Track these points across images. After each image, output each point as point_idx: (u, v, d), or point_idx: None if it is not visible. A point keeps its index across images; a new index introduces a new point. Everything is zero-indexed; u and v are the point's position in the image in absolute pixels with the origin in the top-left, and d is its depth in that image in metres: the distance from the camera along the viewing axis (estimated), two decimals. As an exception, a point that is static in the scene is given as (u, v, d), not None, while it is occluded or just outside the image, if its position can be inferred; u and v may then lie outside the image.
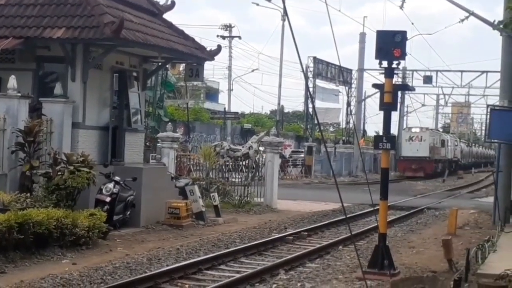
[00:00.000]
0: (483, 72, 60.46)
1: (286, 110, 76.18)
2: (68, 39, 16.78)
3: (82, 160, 15.78)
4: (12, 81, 15.86)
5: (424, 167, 58.50)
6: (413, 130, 61.25)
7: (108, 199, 16.27)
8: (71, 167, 15.42)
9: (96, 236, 14.62)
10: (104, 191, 16.41)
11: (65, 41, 16.92)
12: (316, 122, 55.42)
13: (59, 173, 15.39)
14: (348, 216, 22.36)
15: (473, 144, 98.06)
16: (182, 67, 38.93)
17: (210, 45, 21.65)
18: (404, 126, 70.12)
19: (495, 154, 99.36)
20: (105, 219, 14.97)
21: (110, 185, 16.49)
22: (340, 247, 16.88)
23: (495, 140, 23.42)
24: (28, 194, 15.00)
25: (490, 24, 23.69)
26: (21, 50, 17.16)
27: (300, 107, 71.60)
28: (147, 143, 21.17)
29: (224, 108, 62.77)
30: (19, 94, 15.99)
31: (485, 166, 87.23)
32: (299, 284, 12.32)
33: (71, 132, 17.17)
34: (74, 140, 17.22)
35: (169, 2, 22.00)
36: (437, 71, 63.01)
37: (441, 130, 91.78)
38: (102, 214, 14.98)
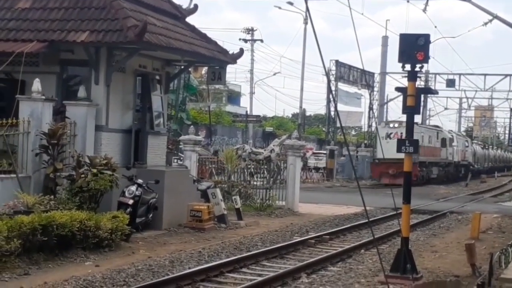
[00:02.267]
0: (506, 75, 60.14)
1: (308, 113, 76.22)
2: (91, 42, 16.89)
3: (105, 162, 15.87)
4: (37, 84, 15.99)
5: None
6: (392, 125, 49.42)
7: (130, 202, 16.35)
8: (94, 170, 15.52)
9: (119, 238, 14.69)
10: (126, 194, 16.49)
11: (88, 45, 17.03)
12: (338, 125, 55.28)
13: (82, 175, 15.49)
14: (370, 219, 22.29)
15: (491, 146, 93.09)
16: (204, 70, 39.10)
17: (232, 48, 21.66)
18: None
19: None
20: (127, 222, 15.04)
21: (133, 188, 16.56)
22: (362, 250, 16.82)
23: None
24: (52, 196, 15.11)
25: (514, 27, 23.55)
26: (45, 53, 17.29)
27: (322, 110, 71.38)
28: (170, 146, 21.23)
29: (246, 111, 62.89)
30: (43, 97, 16.10)
31: (502, 171, 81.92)
32: (321, 288, 12.29)
33: (95, 135, 17.26)
34: (97, 143, 17.32)
35: (191, 6, 22.11)
36: (460, 74, 62.79)
37: (464, 133, 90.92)
38: (125, 217, 15.05)
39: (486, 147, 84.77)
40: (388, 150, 45.06)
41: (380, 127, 50.54)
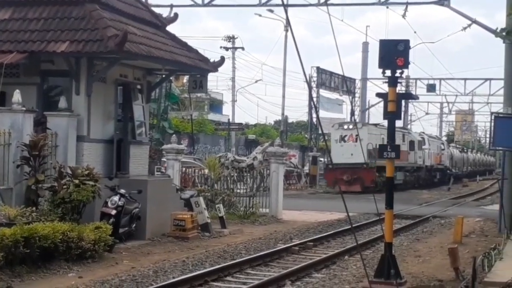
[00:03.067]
0: (486, 79, 60.55)
1: (290, 120, 76.29)
2: (72, 52, 16.84)
3: (87, 173, 15.80)
4: (17, 96, 15.91)
5: (362, 177, 43.27)
6: (346, 126, 45.13)
7: (113, 212, 16.28)
8: (76, 181, 15.44)
9: (102, 249, 14.62)
10: (109, 204, 16.42)
11: (69, 55, 16.98)
12: (320, 132, 55.39)
13: (64, 186, 15.41)
14: (353, 225, 22.33)
15: (471, 150, 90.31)
16: (186, 79, 39.06)
17: (213, 57, 21.65)
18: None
19: (496, 161, 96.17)
20: (110, 232, 14.98)
21: (116, 198, 16.50)
22: (346, 257, 16.85)
23: (500, 148, 23.40)
24: (34, 208, 15.02)
25: (493, 31, 23.69)
26: (26, 64, 17.23)
27: (304, 117, 71.47)
28: (152, 155, 21.17)
29: (228, 119, 62.87)
30: (24, 108, 16.03)
31: (482, 175, 79.79)
32: (305, 295, 12.29)
33: (76, 145, 17.19)
34: (79, 154, 17.25)
35: (172, 15, 22.08)
36: (440, 79, 63.22)
37: (445, 138, 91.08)
38: (108, 227, 14.99)
39: (465, 150, 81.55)
40: (342, 154, 43.35)
41: (333, 129, 46.21)
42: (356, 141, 41.86)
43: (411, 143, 50.95)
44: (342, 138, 44.41)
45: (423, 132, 63.38)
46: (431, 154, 57.52)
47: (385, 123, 13.39)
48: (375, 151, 40.82)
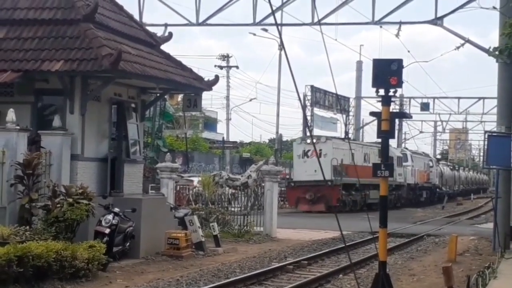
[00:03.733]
0: (480, 98, 60.87)
1: (284, 139, 76.28)
2: (66, 71, 16.87)
3: (81, 192, 15.77)
4: (11, 114, 15.91)
5: (326, 196, 39.23)
6: (309, 140, 40.86)
7: (107, 231, 16.24)
8: (70, 199, 15.41)
9: (96, 268, 14.57)
10: (103, 223, 16.39)
11: (63, 74, 17.01)
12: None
13: (58, 205, 15.37)
14: (347, 244, 22.29)
15: (463, 168, 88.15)
16: (180, 97, 39.15)
17: (207, 75, 21.70)
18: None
19: (490, 180, 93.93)
20: (104, 251, 14.93)
21: (109, 217, 16.47)
22: (341, 275, 16.83)
23: (493, 166, 23.46)
24: (27, 227, 14.97)
25: (486, 50, 23.87)
26: (20, 83, 17.24)
27: (299, 135, 71.65)
28: (146, 174, 21.17)
29: (223, 138, 62.90)
30: (18, 127, 16.03)
31: (477, 194, 77.52)
32: (299, 314, 12.26)
33: (70, 164, 17.18)
34: (73, 172, 17.24)
35: (166, 34, 22.16)
36: (434, 98, 63.59)
37: (439, 156, 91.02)
38: (102, 246, 14.95)
39: (457, 168, 79.08)
40: (305, 170, 39.18)
41: (295, 143, 43.21)
42: (321, 156, 38.68)
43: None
44: (305, 153, 40.88)
45: (406, 148, 60.77)
46: (415, 171, 54.38)
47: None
48: (341, 167, 39.68)
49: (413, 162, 53.70)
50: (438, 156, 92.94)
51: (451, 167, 74.45)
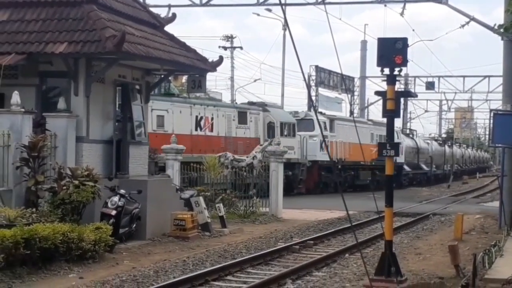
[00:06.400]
0: (485, 76, 60.64)
1: (289, 119, 76.15)
2: (70, 53, 16.85)
3: (86, 174, 15.80)
4: (16, 97, 15.91)
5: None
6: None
7: (113, 213, 16.28)
8: (76, 181, 15.44)
9: (103, 249, 14.62)
10: (109, 205, 16.43)
11: (67, 56, 16.98)
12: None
13: (64, 187, 15.41)
14: (353, 224, 22.34)
15: (459, 145, 79.69)
16: (184, 78, 39.00)
17: (212, 56, 21.64)
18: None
19: (496, 158, 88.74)
20: (111, 233, 14.97)
21: (115, 199, 16.50)
22: (347, 255, 16.87)
23: (499, 145, 23.43)
24: (34, 209, 15.02)
25: (491, 28, 23.80)
26: (24, 65, 17.23)
27: (303, 116, 71.31)
28: (152, 156, 21.17)
29: (228, 119, 62.60)
30: (23, 110, 16.03)
31: (473, 174, 69.99)
32: (306, 293, 12.29)
33: (75, 146, 17.20)
34: (79, 154, 17.26)
35: (170, 15, 22.08)
36: (439, 76, 63.29)
37: (445, 135, 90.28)
38: (108, 228, 14.99)
39: (449, 144, 70.11)
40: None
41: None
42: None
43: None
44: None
45: (321, 112, 46.04)
46: (337, 143, 41.66)
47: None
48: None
49: (333, 130, 41.89)
50: (444, 135, 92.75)
51: (440, 142, 65.83)
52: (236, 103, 40.31)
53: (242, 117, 34.54)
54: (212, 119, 32.60)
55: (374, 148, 41.71)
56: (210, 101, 34.22)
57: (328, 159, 39.55)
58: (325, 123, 40.43)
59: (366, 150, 39.67)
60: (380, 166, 42.35)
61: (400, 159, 45.03)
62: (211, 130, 32.46)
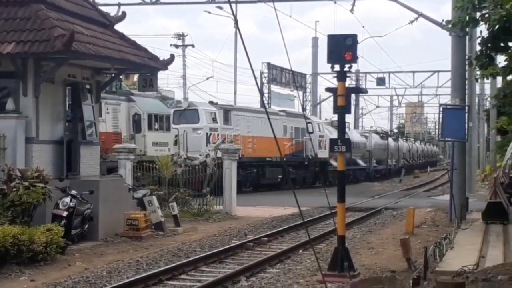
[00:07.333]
0: (434, 72, 61.47)
1: (242, 117, 76.17)
2: (18, 53, 16.60)
3: (37, 175, 15.61)
4: (-38, 98, 15.65)
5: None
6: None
7: (65, 214, 16.10)
8: (26, 183, 15.25)
9: (54, 251, 14.45)
10: (60, 206, 16.24)
11: (15, 56, 16.73)
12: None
13: (14, 189, 15.20)
14: (306, 220, 22.45)
15: (405, 139, 76.89)
16: (136, 77, 38.77)
17: (163, 55, 21.54)
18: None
19: (446, 152, 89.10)
20: (62, 234, 14.81)
21: (67, 199, 16.32)
22: (300, 251, 16.95)
23: (449, 139, 23.79)
24: (-17, 212, 14.78)
25: (439, 24, 24.11)
26: (-29, 66, 16.93)
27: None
28: (103, 156, 20.99)
29: (180, 117, 62.34)
30: (-30, 111, 15.77)
31: (423, 169, 69.26)
32: (260, 290, 12.33)
33: (25, 147, 16.97)
34: (28, 156, 17.03)
35: (120, 13, 21.88)
36: (389, 72, 64.00)
37: (396, 130, 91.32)
38: (60, 229, 14.82)
39: (394, 137, 66.91)
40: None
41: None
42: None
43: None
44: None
45: (212, 102, 38.42)
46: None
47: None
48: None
49: (229, 122, 36.40)
50: (395, 130, 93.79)
51: (382, 135, 62.28)
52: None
53: None
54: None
55: (288, 142, 40.29)
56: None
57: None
58: (214, 113, 35.42)
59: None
60: (294, 162, 41.01)
61: (324, 153, 43.09)
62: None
